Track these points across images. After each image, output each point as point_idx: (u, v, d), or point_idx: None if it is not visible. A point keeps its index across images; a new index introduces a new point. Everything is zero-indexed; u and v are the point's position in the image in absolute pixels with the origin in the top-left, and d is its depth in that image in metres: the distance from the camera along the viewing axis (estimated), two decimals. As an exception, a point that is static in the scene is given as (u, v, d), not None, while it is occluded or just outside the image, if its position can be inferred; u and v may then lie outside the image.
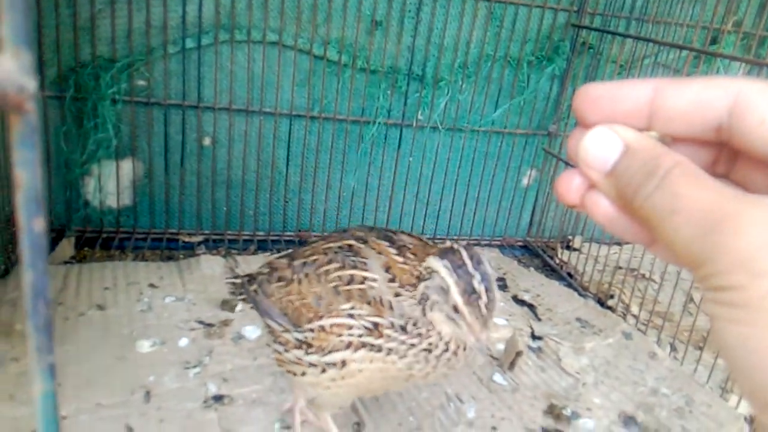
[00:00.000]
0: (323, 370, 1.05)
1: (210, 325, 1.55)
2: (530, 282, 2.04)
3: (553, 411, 1.42)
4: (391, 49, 1.98)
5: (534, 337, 1.71)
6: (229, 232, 2.07)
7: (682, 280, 1.92)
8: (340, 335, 1.01)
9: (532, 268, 2.16)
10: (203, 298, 1.66)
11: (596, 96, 0.44)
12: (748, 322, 0.37)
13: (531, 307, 1.88)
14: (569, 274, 2.12)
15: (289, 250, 1.28)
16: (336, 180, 2.11)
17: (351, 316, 1.01)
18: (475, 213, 2.28)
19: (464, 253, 0.94)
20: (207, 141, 1.96)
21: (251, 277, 1.27)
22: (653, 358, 1.67)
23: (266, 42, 1.87)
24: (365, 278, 1.02)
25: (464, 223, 2.29)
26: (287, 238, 2.11)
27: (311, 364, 1.06)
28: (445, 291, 0.94)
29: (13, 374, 1.29)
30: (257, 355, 1.47)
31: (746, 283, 0.36)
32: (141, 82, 1.84)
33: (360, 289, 1.01)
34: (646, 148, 0.41)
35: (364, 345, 1.00)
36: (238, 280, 1.32)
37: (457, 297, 0.92)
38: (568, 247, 2.30)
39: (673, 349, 1.73)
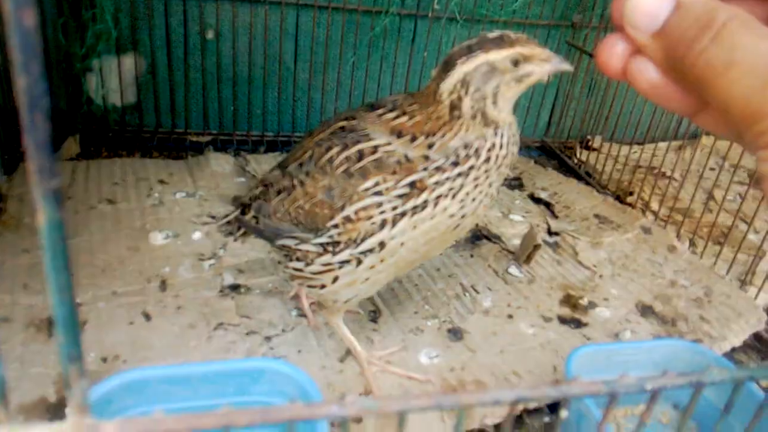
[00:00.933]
0: (359, 263, 0.97)
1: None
2: (547, 181, 1.99)
3: (569, 301, 1.41)
4: (405, -69, 1.84)
5: (551, 233, 1.69)
6: (238, 132, 2.01)
7: (704, 179, 1.87)
8: (370, 218, 0.92)
9: (549, 168, 2.10)
10: (215, 194, 1.63)
11: None
12: None
13: (548, 205, 1.84)
14: (587, 174, 2.07)
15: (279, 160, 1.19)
16: (346, 77, 2.02)
17: (377, 193, 0.92)
18: (490, 112, 2.19)
19: (469, 41, 0.88)
20: (210, 34, 1.86)
21: (244, 207, 1.18)
22: (672, 251, 1.65)
23: None
24: (376, 147, 0.92)
25: (479, 123, 2.21)
26: (297, 139, 2.05)
27: (343, 263, 0.98)
28: (491, 66, 0.86)
29: (25, 265, 1.28)
30: (272, 249, 1.46)
31: None
32: (138, -31, 1.73)
33: (375, 160, 0.92)
34: (700, 1, 0.38)
35: (404, 214, 0.91)
36: (232, 216, 1.22)
37: (500, 54, 0.85)
38: (587, 147, 2.23)
39: (693, 244, 1.70)
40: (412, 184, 0.91)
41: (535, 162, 2.15)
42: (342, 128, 0.99)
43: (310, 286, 1.06)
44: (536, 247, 1.51)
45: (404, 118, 0.93)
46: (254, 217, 1.13)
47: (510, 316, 1.34)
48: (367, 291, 1.06)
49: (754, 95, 0.35)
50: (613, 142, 2.14)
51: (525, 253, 1.51)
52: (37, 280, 1.25)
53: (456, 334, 1.28)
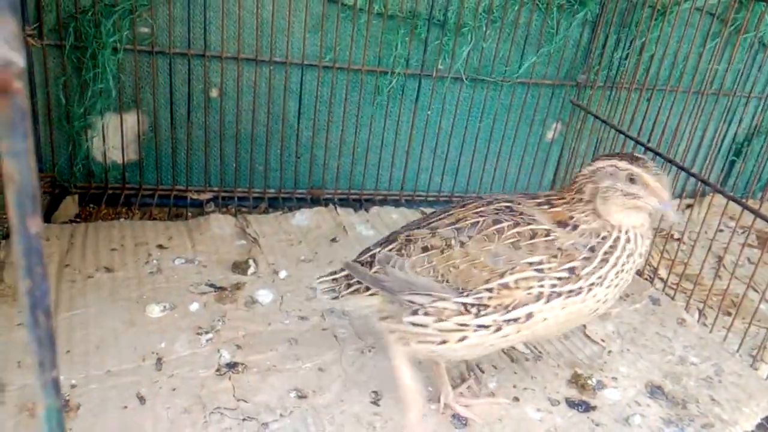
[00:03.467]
0: (497, 329, 1.04)
1: (221, 288, 1.50)
2: (552, 242, 1.96)
3: (577, 381, 1.36)
4: (410, -7, 1.84)
5: (557, 301, 1.65)
6: (239, 189, 1.99)
7: (715, 242, 1.83)
8: (529, 288, 1.02)
9: (553, 227, 2.07)
10: (214, 260, 1.60)
11: None
12: None
13: (553, 268, 1.80)
14: (593, 234, 2.04)
15: (404, 225, 1.27)
16: (350, 134, 2.01)
17: (539, 270, 1.01)
18: (495, 169, 2.18)
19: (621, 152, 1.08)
20: (214, 92, 1.85)
21: (362, 262, 1.17)
22: (681, 324, 1.61)
23: (276, -15, 1.74)
24: (549, 231, 1.04)
25: (484, 180, 2.20)
26: (299, 196, 2.03)
27: (480, 326, 1.04)
28: (612, 173, 1.03)
29: (20, 340, 1.25)
30: (271, 320, 1.42)
31: None
32: (144, 30, 1.73)
33: (546, 242, 1.03)
34: None
35: (559, 295, 1.02)
36: (342, 274, 1.20)
37: (627, 165, 1.02)
38: (591, 205, 2.20)
39: (702, 315, 1.66)
40: (571, 270, 1.02)
41: (540, 220, 2.12)
42: (508, 208, 1.09)
43: (421, 342, 1.09)
44: (542, 321, 1.47)
45: (556, 208, 1.08)
46: (379, 271, 1.14)
47: (516, 399, 1.30)
48: (477, 355, 1.15)
49: None
50: (618, 200, 2.12)
51: (531, 327, 1.47)
52: (31, 358, 1.21)
53: (461, 419, 1.23)
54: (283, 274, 1.59)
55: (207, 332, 1.36)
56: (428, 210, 2.05)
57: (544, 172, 2.24)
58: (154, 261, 1.56)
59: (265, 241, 1.71)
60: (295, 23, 1.80)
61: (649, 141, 1.83)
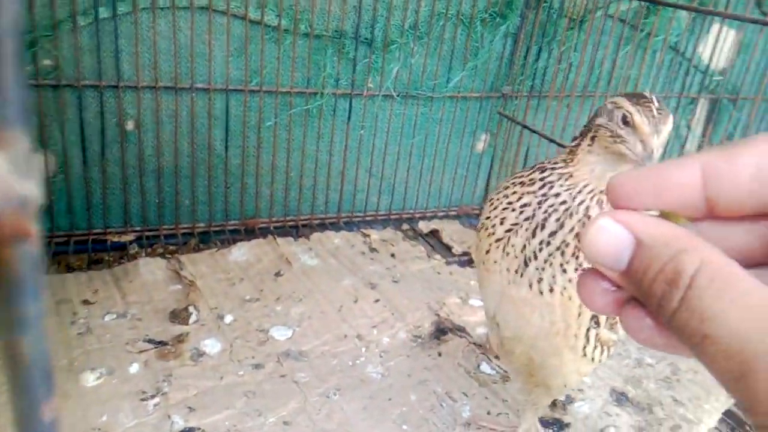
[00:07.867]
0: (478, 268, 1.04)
1: (162, 343, 1.36)
2: (495, 254, 1.96)
3: (547, 398, 1.35)
4: (336, 11, 1.77)
5: (511, 315, 1.64)
6: (165, 226, 1.84)
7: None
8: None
9: (494, 238, 2.07)
10: (149, 310, 1.45)
11: (630, 189, 0.32)
12: None
13: (501, 281, 1.80)
14: (532, 242, 2.06)
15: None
16: (282, 159, 1.91)
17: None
18: (430, 184, 2.16)
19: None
20: (130, 125, 1.69)
21: None
22: (632, 326, 1.65)
23: (194, 7, 1.61)
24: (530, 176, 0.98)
25: (420, 196, 2.17)
26: (231, 228, 1.91)
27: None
28: (611, 110, 0.85)
29: (-74, 436, 1.06)
30: (223, 373, 1.30)
31: None
32: (47, 62, 1.54)
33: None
34: (662, 242, 0.30)
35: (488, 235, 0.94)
36: None
37: (625, 102, 0.83)
38: (526, 213, 2.24)
39: (647, 314, 1.71)
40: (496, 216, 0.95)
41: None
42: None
43: None
44: (505, 339, 1.45)
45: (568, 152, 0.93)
46: None
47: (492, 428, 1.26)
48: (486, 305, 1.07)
49: (732, 381, 0.26)
50: (551, 205, 2.16)
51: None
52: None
53: (440, 455, 1.18)
54: (228, 318, 1.47)
55: (153, 396, 1.22)
56: (369, 231, 1.99)
57: (477, 183, 2.25)
58: (81, 320, 1.38)
59: (203, 282, 1.58)
60: (216, 47, 1.68)
61: (579, 148, 1.87)
